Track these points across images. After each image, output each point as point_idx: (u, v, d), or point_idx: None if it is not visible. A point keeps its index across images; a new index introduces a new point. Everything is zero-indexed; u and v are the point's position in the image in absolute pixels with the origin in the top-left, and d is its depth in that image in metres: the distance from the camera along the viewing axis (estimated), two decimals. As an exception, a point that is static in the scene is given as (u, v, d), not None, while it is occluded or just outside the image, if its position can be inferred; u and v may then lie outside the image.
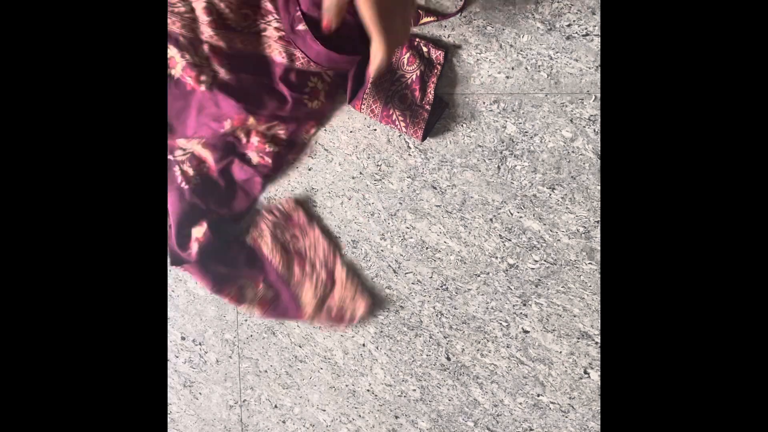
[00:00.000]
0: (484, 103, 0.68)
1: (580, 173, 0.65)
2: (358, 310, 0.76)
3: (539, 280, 0.69)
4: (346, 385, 0.82)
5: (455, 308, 0.74)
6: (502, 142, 0.68)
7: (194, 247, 0.77)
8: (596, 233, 0.65)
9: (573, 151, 0.65)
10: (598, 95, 0.63)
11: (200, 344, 0.91)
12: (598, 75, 0.62)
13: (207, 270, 0.78)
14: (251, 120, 0.72)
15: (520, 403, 0.73)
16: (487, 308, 0.72)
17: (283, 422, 0.88)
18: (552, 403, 0.71)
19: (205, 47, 0.69)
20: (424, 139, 0.70)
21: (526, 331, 0.71)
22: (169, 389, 0.96)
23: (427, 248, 0.74)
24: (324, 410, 0.85)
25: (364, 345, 0.80)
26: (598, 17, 0.61)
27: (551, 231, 0.67)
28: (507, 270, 0.70)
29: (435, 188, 0.72)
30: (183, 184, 0.77)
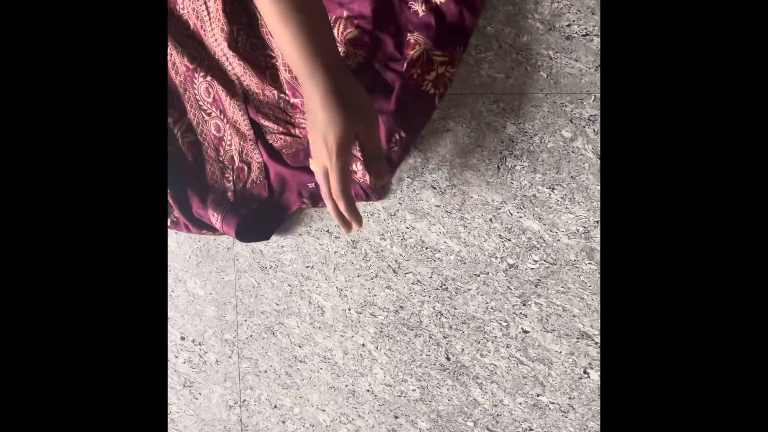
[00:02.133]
0: (484, 103, 0.68)
1: (580, 173, 0.65)
2: None
3: (539, 280, 0.69)
4: (346, 385, 0.82)
5: (455, 308, 0.74)
6: (502, 142, 0.68)
7: None
8: (596, 233, 0.65)
9: (573, 151, 0.65)
10: (598, 95, 0.63)
11: (200, 344, 0.91)
12: (598, 75, 0.62)
13: None
14: None
15: (520, 403, 0.73)
16: (487, 308, 0.72)
17: (283, 422, 0.88)
18: (552, 403, 0.71)
19: None
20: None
21: (526, 331, 0.71)
22: (169, 389, 0.96)
23: (426, 248, 0.74)
24: (324, 410, 0.85)
25: (363, 345, 0.80)
26: (598, 17, 0.61)
27: (551, 231, 0.67)
28: (507, 270, 0.70)
29: (434, 188, 0.72)
30: None
